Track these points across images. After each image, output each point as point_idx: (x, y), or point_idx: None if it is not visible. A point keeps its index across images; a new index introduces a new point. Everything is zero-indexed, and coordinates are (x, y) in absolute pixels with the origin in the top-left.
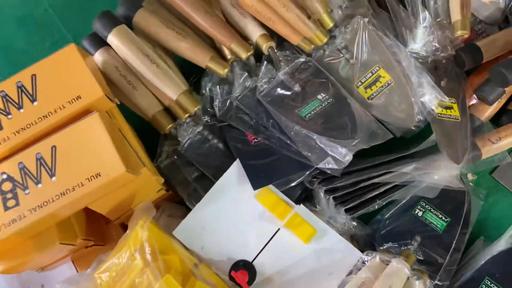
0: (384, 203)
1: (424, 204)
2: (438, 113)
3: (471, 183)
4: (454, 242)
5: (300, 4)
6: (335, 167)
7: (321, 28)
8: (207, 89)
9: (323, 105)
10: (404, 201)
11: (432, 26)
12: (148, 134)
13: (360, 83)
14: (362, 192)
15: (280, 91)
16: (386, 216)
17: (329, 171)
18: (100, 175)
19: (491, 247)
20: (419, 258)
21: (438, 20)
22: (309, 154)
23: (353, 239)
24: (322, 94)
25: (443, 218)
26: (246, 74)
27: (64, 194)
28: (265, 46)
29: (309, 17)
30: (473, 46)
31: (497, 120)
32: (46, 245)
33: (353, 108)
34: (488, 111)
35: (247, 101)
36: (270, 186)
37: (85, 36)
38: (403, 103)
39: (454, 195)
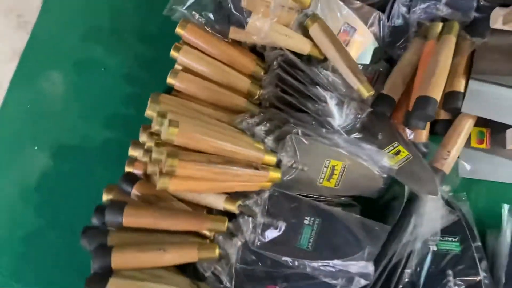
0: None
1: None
2: (395, 164)
3: (450, 193)
4: (475, 253)
5: (246, 163)
6: (366, 282)
7: (271, 167)
8: (210, 272)
9: (314, 228)
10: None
11: (341, 101)
12: None
13: (321, 179)
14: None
15: (268, 233)
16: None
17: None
18: None
19: (502, 240)
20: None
21: (341, 94)
22: (335, 281)
23: None
24: (306, 218)
25: (453, 240)
26: (235, 238)
27: None
28: (235, 206)
29: (257, 168)
30: (382, 96)
31: (432, 132)
32: None
33: (340, 219)
34: (424, 133)
35: (246, 259)
36: None
37: None
38: (364, 173)
39: None
